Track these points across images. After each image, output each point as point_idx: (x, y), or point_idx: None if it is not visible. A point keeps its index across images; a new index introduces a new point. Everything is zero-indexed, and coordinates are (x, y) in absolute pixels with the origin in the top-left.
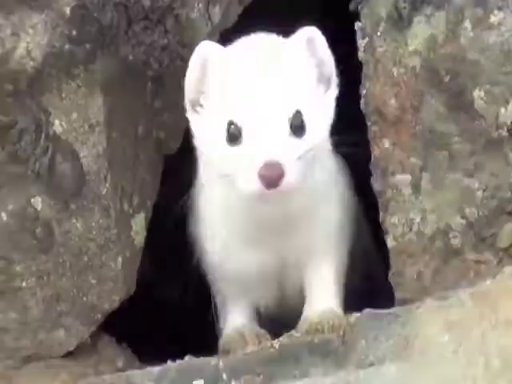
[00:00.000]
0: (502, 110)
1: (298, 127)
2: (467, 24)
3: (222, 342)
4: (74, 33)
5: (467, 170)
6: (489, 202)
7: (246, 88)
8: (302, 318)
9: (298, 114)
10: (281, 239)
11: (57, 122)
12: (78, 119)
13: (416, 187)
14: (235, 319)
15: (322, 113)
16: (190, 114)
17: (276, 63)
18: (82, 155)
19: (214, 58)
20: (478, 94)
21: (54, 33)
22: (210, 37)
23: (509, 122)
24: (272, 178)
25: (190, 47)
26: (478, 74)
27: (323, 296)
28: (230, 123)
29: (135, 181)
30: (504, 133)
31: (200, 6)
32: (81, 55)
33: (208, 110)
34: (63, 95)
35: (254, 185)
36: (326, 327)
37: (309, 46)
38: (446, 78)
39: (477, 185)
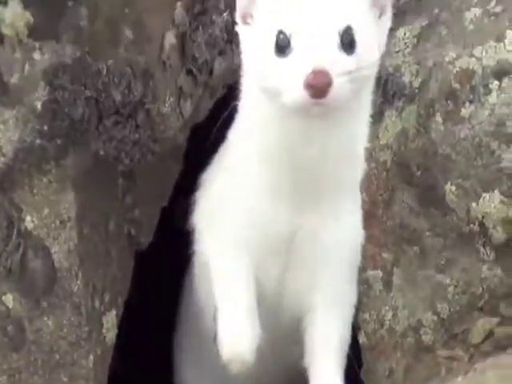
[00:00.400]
0: (474, 204)
1: (348, 43)
2: (438, 118)
3: None
4: (45, 128)
5: (438, 265)
6: (460, 297)
7: None
8: None
9: (348, 29)
10: (314, 173)
11: (28, 218)
12: (50, 215)
13: (387, 283)
14: None
15: (373, 37)
16: (240, 27)
17: None
18: (53, 251)
19: None
20: (449, 188)
21: (25, 128)
22: (181, 131)
23: (480, 217)
24: (319, 86)
25: (161, 142)
26: (449, 169)
27: (328, 369)
28: (280, 32)
29: (106, 277)
30: (475, 228)
31: (171, 100)
32: (52, 150)
33: (258, 20)
34: (35, 191)
35: (300, 94)
36: None
37: None
38: (417, 173)
39: (448, 280)
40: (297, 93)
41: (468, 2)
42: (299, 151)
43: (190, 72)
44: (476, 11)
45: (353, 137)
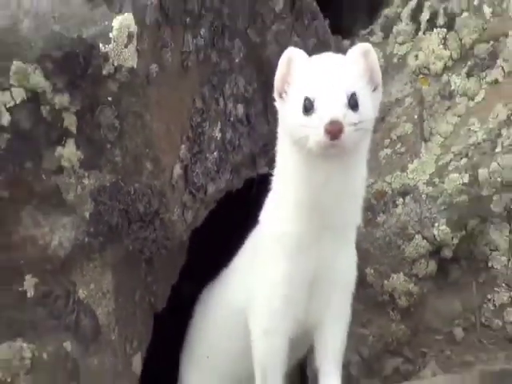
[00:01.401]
0: (386, 281)
1: (353, 104)
2: (361, 224)
3: None
4: (92, 230)
5: (361, 323)
6: (376, 345)
7: (318, 75)
8: None
9: (354, 94)
10: (331, 216)
11: (80, 291)
12: (95, 289)
13: None
14: None
15: (369, 103)
16: (277, 102)
17: (340, 62)
18: (98, 313)
19: (296, 58)
20: (369, 271)
21: (77, 230)
22: (185, 233)
23: (390, 290)
24: (334, 131)
25: (171, 240)
26: (368, 258)
27: (334, 371)
28: (306, 98)
29: (134, 331)
30: (387, 298)
31: (178, 211)
32: (96, 246)
33: (291, 94)
34: (84, 273)
35: (322, 138)
36: None
37: (364, 56)
38: None
39: (368, 333)
40: (319, 137)
41: (381, 145)
42: (322, 190)
43: (191, 192)
44: (387, 151)
45: (357, 176)
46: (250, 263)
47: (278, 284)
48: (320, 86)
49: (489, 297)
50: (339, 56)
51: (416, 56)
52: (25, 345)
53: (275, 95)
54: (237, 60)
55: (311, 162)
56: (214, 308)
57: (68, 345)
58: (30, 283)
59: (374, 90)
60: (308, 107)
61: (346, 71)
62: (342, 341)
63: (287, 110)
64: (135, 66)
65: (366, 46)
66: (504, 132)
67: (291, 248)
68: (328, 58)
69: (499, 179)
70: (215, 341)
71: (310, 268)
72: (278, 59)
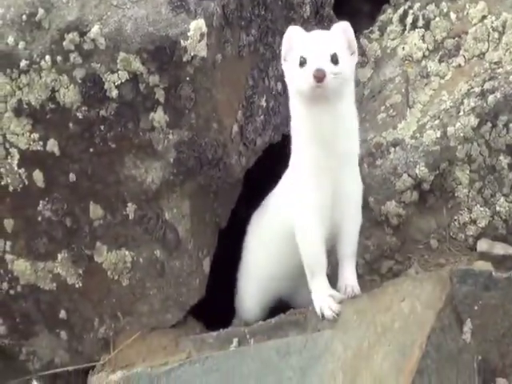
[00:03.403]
0: (382, 207)
1: (334, 60)
2: (365, 166)
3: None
4: (175, 171)
5: (366, 235)
6: (375, 251)
7: (310, 41)
8: (343, 285)
9: (335, 54)
10: (333, 147)
11: (166, 214)
12: (177, 213)
13: None
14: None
15: (347, 62)
16: (284, 64)
17: (326, 33)
18: (179, 230)
19: (296, 31)
20: (370, 199)
21: (165, 171)
22: (240, 173)
23: (385, 213)
24: (319, 76)
25: (230, 178)
26: (370, 190)
27: (352, 269)
28: (301, 56)
29: (205, 241)
30: (383, 218)
31: (235, 157)
32: (178, 182)
33: (291, 57)
34: (169, 200)
35: (310, 81)
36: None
37: (344, 30)
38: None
39: (370, 243)
40: (309, 81)
41: (379, 110)
42: (321, 127)
43: (244, 144)
44: (383, 114)
45: (346, 116)
46: (289, 188)
47: (307, 198)
48: (310, 47)
49: (455, 217)
50: (326, 31)
51: (403, 48)
52: (127, 252)
53: (281, 59)
54: (277, 51)
55: (309, 108)
56: (266, 222)
57: (157, 252)
58: (131, 209)
59: (352, 54)
60: (302, 62)
61: (330, 39)
62: (356, 237)
63: (289, 67)
64: (205, 56)
65: (345, 23)
66: (465, 101)
67: (310, 171)
68: (317, 31)
69: (462, 134)
70: (269, 248)
71: (328, 189)
72: None
